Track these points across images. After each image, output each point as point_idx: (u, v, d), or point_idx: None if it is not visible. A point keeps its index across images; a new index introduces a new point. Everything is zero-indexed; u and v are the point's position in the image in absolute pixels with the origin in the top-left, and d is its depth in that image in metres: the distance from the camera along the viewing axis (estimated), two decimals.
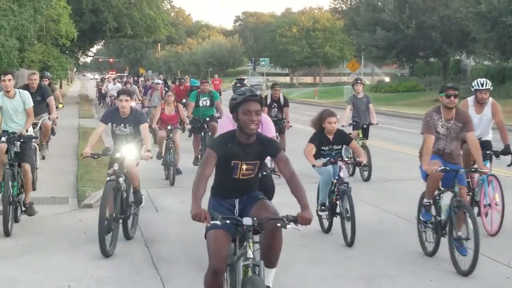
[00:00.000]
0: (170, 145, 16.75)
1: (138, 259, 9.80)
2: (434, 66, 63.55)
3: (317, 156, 11.08)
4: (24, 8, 32.08)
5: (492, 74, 50.50)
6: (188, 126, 18.19)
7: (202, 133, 18.45)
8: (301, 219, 6.37)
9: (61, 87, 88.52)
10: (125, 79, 47.45)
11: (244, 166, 6.71)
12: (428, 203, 9.91)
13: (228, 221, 6.28)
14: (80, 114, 39.76)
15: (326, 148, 11.14)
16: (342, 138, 11.23)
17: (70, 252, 10.12)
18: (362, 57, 76.43)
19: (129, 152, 10.77)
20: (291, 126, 18.41)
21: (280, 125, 17.80)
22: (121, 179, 10.51)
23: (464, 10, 43.00)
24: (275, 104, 18.10)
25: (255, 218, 6.38)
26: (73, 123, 32.56)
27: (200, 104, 18.74)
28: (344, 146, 11.39)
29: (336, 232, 11.34)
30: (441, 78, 56.50)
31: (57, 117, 17.71)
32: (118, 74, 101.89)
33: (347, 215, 10.50)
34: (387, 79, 78.57)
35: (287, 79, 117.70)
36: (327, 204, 11.11)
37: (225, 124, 8.69)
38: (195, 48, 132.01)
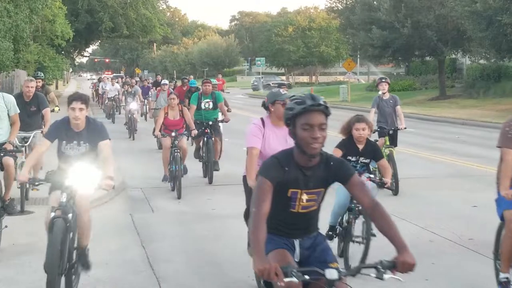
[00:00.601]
0: (176, 153, 15.09)
1: (135, 259, 9.80)
2: (430, 65, 63.56)
3: None
4: (19, 9, 32.06)
5: (487, 73, 50.58)
6: (195, 132, 16.01)
7: (205, 138, 16.86)
8: (402, 265, 4.73)
9: (57, 87, 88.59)
10: (124, 80, 46.32)
11: (305, 197, 5.20)
12: (505, 279, 7.57)
13: (307, 276, 4.68)
14: None
15: (353, 159, 9.67)
16: (373, 152, 9.83)
17: None
18: (358, 56, 76.43)
19: (83, 180, 7.91)
20: None
21: None
22: (70, 216, 7.82)
23: (459, 9, 42.96)
24: None
25: (341, 269, 4.91)
26: None
27: (202, 107, 17.35)
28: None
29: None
30: (436, 77, 56.52)
31: None
32: (115, 74, 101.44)
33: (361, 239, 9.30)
34: None
35: (283, 79, 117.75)
36: (337, 229, 9.64)
37: (254, 133, 8.07)
38: (191, 48, 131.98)
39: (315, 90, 70.74)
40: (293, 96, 5.21)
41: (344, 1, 68.22)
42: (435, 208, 13.31)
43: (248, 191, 8.53)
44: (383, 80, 16.06)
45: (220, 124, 18.18)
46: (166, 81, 28.50)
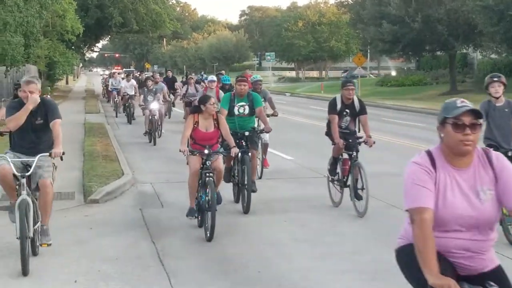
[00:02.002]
0: (207, 178, 10.99)
1: (144, 254, 9.77)
2: (441, 60, 63.45)
3: None
4: (30, 4, 32.09)
5: (499, 68, 50.40)
6: (236, 151, 11.74)
7: (239, 154, 12.54)
8: None
9: (67, 82, 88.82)
10: (141, 75, 44.39)
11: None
12: None
13: None
14: (86, 110, 39.80)
15: None
16: None
17: (76, 248, 10.10)
18: (368, 51, 76.34)
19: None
20: (374, 143, 12.54)
21: (355, 143, 12.65)
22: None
23: (470, 3, 42.88)
24: (347, 110, 12.81)
25: None
26: (79, 119, 32.57)
27: (236, 112, 13.41)
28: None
29: (340, 227, 11.33)
30: (447, 72, 56.40)
31: (63, 153, 9.44)
32: (126, 69, 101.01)
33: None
34: (393, 73, 78.50)
35: (293, 74, 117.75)
36: None
37: (417, 180, 4.81)
38: (201, 43, 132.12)
39: (325, 85, 70.62)
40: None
41: None
42: None
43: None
44: (496, 79, 11.47)
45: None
46: (214, 77, 24.49)
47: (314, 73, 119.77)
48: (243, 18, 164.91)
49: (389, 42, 52.36)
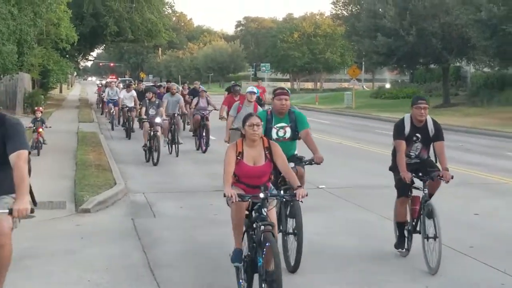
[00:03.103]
0: (265, 233, 7.76)
1: (135, 264, 9.76)
2: (434, 73, 63.59)
3: None
4: (23, 12, 32.09)
5: (491, 81, 50.66)
6: (303, 192, 8.00)
7: (281, 192, 8.78)
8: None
9: (61, 91, 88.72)
10: (139, 85, 39.29)
11: None
12: None
13: None
14: (79, 118, 39.74)
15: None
16: None
17: (66, 257, 10.08)
18: (363, 63, 76.48)
19: None
20: (452, 177, 9.82)
21: (427, 177, 9.94)
22: None
23: (464, 17, 43.05)
24: (417, 135, 10.06)
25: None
26: (72, 128, 32.53)
27: (274, 136, 10.32)
28: None
29: (328, 238, 11.34)
30: (441, 85, 56.56)
31: (31, 211, 6.58)
32: (122, 79, 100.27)
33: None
34: (387, 86, 78.67)
35: (288, 85, 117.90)
36: None
37: None
38: (196, 53, 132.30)
39: (320, 96, 70.80)
40: None
41: (350, 8, 68.63)
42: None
43: None
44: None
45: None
46: (254, 88, 17.98)
47: (309, 85, 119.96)
48: (239, 29, 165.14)
49: (383, 55, 52.54)
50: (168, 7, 68.66)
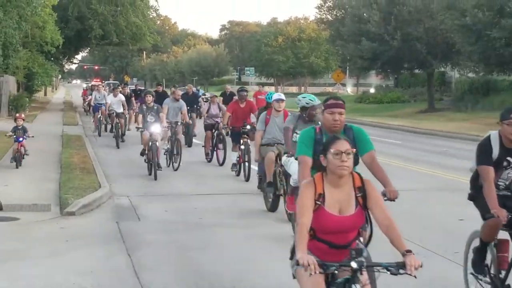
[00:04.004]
0: None
1: (120, 267, 9.75)
2: (419, 78, 63.75)
3: None
4: (9, 15, 31.99)
5: (476, 87, 50.80)
6: (418, 263, 5.39)
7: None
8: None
9: (45, 94, 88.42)
10: (124, 89, 36.03)
11: None
12: None
13: None
14: (64, 121, 39.63)
15: None
16: None
17: (51, 260, 10.06)
18: (347, 67, 76.62)
19: None
20: None
21: None
22: None
23: (449, 22, 43.22)
24: (509, 159, 7.69)
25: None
26: (57, 130, 32.42)
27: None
28: None
29: None
30: (425, 90, 56.73)
31: None
32: (110, 81, 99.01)
33: None
34: (372, 90, 78.83)
35: (272, 89, 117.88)
36: None
37: None
38: (181, 56, 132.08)
39: None
40: None
41: (334, 13, 68.69)
42: (421, 220, 13.31)
43: None
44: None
45: None
46: (282, 95, 15.21)
47: (294, 89, 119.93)
48: (223, 33, 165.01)
49: (368, 59, 52.64)
50: (153, 11, 68.61)
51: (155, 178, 17.98)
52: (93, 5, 55.47)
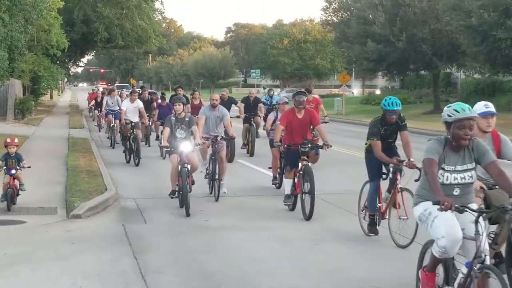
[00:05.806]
0: None
1: (126, 270, 9.74)
2: (425, 79, 63.76)
3: None
4: (14, 19, 32.00)
5: (482, 88, 50.76)
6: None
7: None
8: None
9: (51, 97, 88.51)
10: (144, 92, 30.64)
11: None
12: None
13: None
14: (70, 124, 39.66)
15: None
16: None
17: (58, 263, 10.07)
18: (353, 69, 76.60)
19: None
20: None
21: None
22: None
23: (454, 23, 43.13)
24: None
25: None
26: (63, 133, 32.45)
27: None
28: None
29: (321, 244, 11.34)
30: (431, 91, 56.68)
31: None
32: (119, 84, 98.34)
33: None
34: (378, 92, 78.79)
35: (277, 91, 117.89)
36: None
37: None
38: (186, 59, 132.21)
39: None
40: None
41: (340, 14, 68.70)
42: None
43: None
44: None
45: None
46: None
47: None
48: (229, 35, 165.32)
49: (373, 61, 52.61)
50: (158, 14, 68.66)
51: (187, 214, 13.66)
52: (99, 8, 55.55)
